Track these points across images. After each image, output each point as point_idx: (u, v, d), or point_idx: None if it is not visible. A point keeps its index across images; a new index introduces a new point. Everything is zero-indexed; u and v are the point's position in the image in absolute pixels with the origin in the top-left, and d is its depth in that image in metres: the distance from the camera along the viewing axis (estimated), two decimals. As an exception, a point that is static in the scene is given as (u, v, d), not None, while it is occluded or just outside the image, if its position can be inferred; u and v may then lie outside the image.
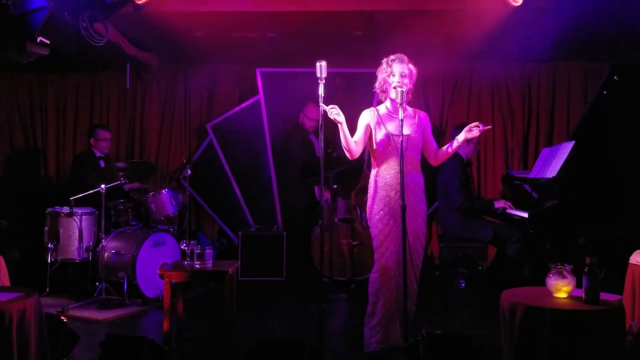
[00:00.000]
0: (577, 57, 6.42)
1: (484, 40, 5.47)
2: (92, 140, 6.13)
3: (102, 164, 6.13)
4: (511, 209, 5.01)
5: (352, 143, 3.71)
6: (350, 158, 3.78)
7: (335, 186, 6.03)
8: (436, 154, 3.89)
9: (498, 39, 5.53)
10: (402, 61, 3.70)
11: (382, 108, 3.82)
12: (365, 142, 3.80)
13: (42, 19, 4.26)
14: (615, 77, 4.32)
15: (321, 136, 3.61)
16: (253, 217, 6.88)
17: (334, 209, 6.12)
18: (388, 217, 3.71)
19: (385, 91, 3.78)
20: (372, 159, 3.84)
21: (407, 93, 3.62)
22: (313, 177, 5.88)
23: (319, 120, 3.67)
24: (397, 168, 3.65)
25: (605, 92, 4.36)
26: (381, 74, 3.76)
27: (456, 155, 5.39)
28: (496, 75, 6.76)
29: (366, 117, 3.79)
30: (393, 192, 3.71)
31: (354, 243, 5.98)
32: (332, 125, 3.80)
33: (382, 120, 3.74)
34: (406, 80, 3.67)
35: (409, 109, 3.75)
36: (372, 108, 3.84)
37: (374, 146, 3.77)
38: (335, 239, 5.98)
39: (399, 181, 3.63)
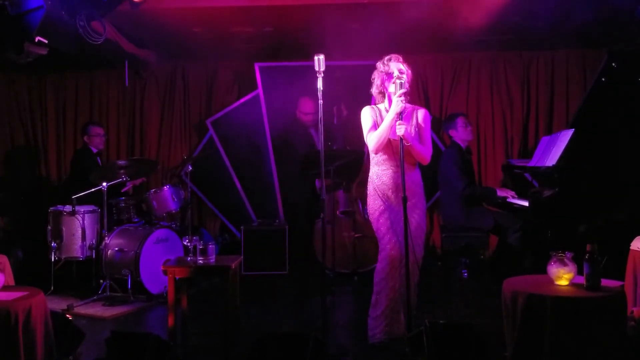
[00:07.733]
0: (576, 45, 6.41)
1: (482, 29, 5.46)
2: (85, 138, 6.14)
3: (99, 160, 6.14)
4: (514, 198, 5.02)
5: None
6: (377, 152, 3.77)
7: (335, 179, 6.03)
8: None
9: (496, 28, 5.52)
10: (397, 60, 3.76)
11: (382, 108, 3.84)
12: None
13: (39, 18, 4.25)
14: (613, 64, 4.32)
15: (321, 129, 3.62)
16: (255, 212, 6.89)
17: (335, 202, 6.13)
18: (387, 213, 3.75)
19: (382, 92, 3.80)
20: (370, 157, 3.86)
21: (405, 91, 3.63)
22: (313, 171, 5.88)
23: (315, 113, 3.66)
24: (395, 168, 3.71)
25: (603, 78, 4.36)
26: (378, 75, 3.79)
27: (453, 143, 5.46)
28: (495, 65, 6.75)
29: (370, 112, 3.81)
30: (390, 191, 3.77)
31: (356, 235, 5.98)
32: (331, 119, 3.80)
33: (383, 120, 3.75)
34: (404, 76, 3.69)
35: (408, 106, 3.75)
36: (372, 105, 3.86)
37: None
38: (337, 232, 5.98)
39: (396, 180, 3.70)
